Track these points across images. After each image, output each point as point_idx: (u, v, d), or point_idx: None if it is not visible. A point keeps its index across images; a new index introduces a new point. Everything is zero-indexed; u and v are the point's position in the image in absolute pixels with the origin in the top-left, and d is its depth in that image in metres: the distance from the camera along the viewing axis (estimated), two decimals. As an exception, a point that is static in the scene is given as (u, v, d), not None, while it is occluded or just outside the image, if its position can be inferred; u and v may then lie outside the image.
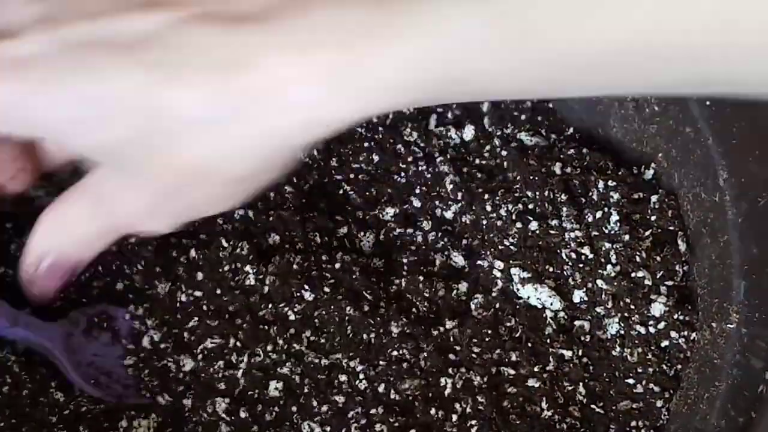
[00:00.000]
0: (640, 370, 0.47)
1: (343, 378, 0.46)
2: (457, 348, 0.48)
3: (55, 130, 0.34)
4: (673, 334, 0.47)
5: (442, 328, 0.48)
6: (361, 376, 0.46)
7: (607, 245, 0.49)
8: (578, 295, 0.49)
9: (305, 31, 0.31)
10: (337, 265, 0.49)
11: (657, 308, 0.47)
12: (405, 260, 0.50)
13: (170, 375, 0.47)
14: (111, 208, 0.38)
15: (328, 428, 0.46)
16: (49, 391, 0.45)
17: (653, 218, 0.50)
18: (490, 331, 0.48)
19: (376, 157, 0.53)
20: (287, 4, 0.31)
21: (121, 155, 0.34)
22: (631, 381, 0.47)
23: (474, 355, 0.47)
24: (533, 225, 0.50)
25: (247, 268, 0.48)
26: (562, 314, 0.48)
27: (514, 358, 0.48)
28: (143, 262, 0.49)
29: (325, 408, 0.46)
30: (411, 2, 0.30)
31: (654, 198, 0.50)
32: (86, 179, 0.39)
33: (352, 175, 0.53)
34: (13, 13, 0.33)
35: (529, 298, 0.49)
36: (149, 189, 0.36)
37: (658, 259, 0.49)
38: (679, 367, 0.47)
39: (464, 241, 0.51)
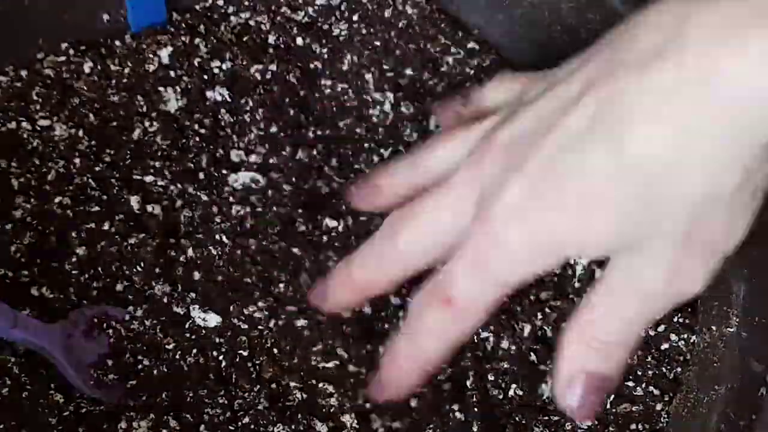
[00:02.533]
0: (639, 373, 0.47)
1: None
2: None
3: None
4: (673, 336, 0.47)
5: None
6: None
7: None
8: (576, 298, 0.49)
9: None
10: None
11: (657, 311, 0.47)
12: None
13: (170, 374, 0.47)
14: None
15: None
16: (49, 393, 0.45)
17: (654, 220, 0.50)
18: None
19: (375, 158, 0.53)
20: None
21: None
22: (630, 384, 0.47)
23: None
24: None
25: (245, 265, 0.48)
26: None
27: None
28: (143, 263, 0.49)
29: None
30: None
31: (654, 200, 0.50)
32: None
33: (352, 175, 0.53)
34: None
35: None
36: None
37: (658, 261, 0.49)
38: (679, 370, 0.47)
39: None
